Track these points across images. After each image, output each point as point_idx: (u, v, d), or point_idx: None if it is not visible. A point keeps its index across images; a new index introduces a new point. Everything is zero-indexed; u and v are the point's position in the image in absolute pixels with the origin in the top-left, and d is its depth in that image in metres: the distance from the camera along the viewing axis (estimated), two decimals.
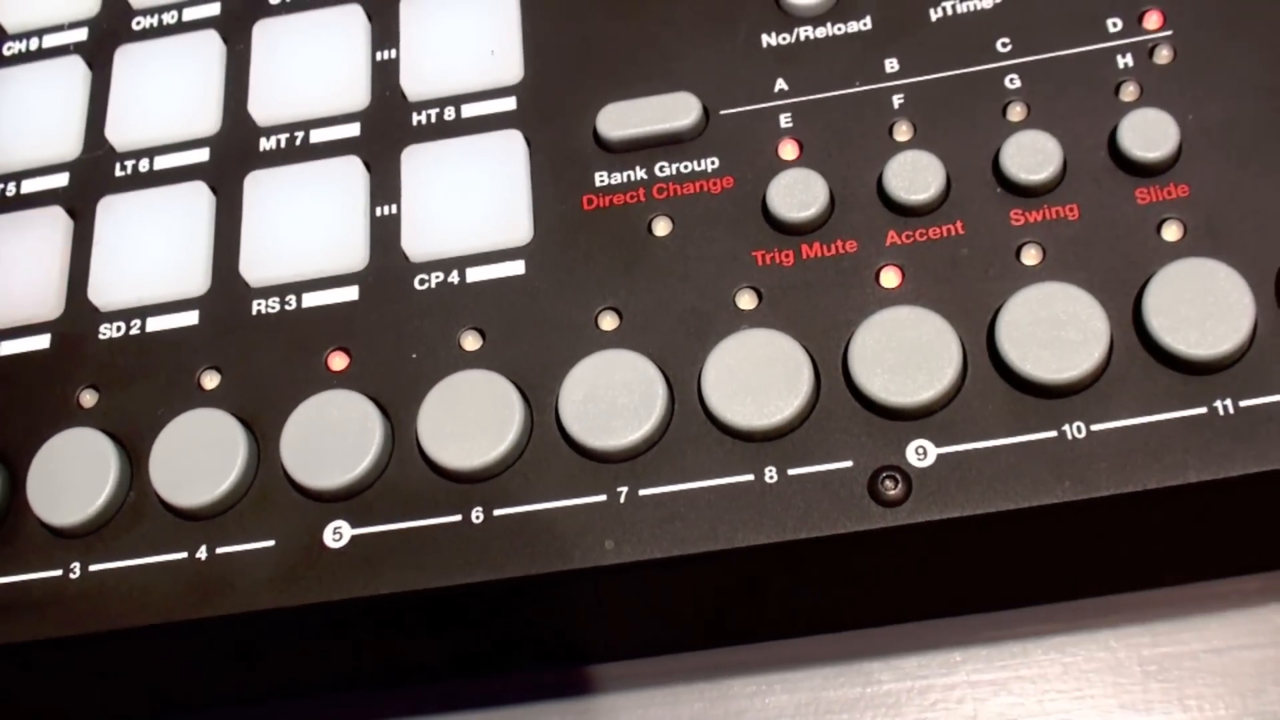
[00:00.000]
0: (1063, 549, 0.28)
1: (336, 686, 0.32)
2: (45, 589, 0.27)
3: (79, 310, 0.30)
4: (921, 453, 0.25)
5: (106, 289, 0.30)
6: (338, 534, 0.27)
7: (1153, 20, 0.28)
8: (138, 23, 0.33)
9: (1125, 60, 0.28)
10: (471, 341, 0.28)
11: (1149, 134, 0.27)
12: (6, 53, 0.33)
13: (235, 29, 0.32)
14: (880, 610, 0.30)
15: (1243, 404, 0.25)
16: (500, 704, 0.31)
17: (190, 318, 0.29)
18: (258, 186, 0.30)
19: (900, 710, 0.30)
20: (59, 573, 0.27)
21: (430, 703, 0.31)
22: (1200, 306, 0.25)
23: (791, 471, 0.26)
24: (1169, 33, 0.28)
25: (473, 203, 0.29)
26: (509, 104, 0.30)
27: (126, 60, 0.32)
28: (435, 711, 0.31)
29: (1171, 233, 0.26)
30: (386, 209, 0.29)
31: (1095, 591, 0.30)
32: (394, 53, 0.31)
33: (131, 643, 0.27)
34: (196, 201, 0.30)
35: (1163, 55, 0.28)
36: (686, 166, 0.28)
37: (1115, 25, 0.28)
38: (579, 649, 0.31)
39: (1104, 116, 0.27)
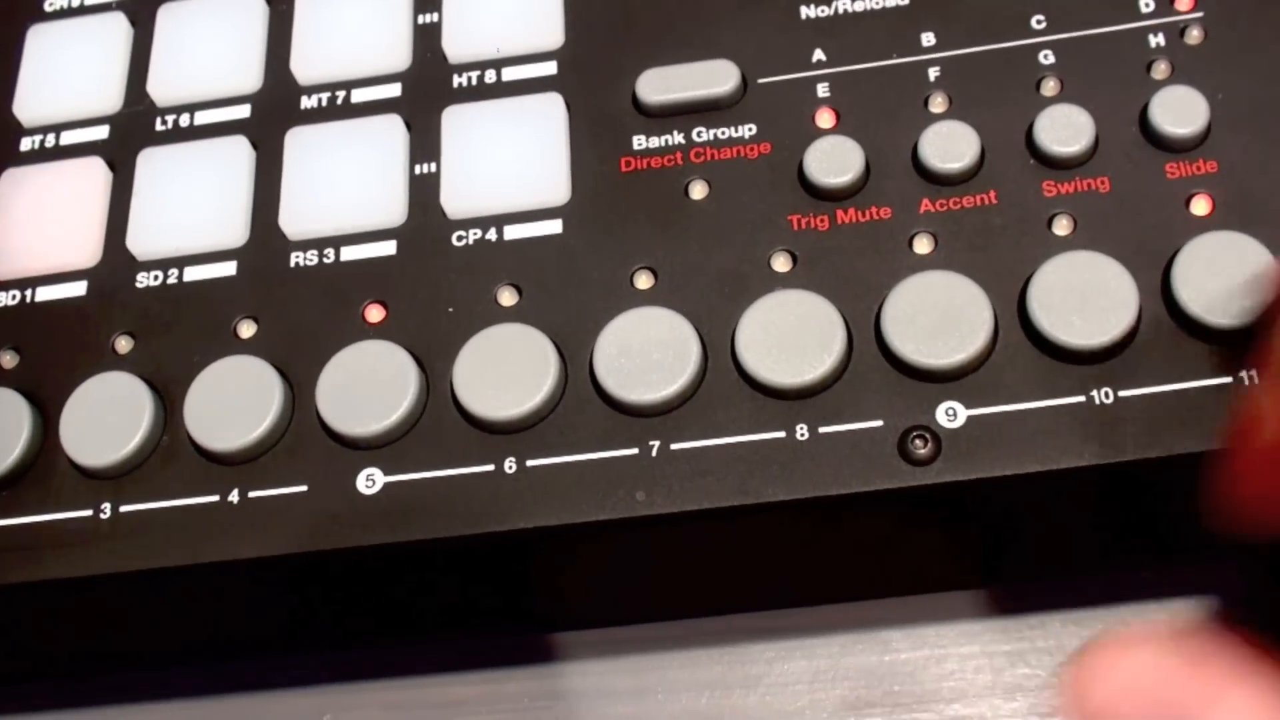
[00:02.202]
0: (1082, 517, 0.28)
1: (353, 638, 0.32)
2: (76, 528, 0.27)
3: (117, 259, 0.30)
4: (951, 414, 0.26)
5: (145, 239, 0.30)
6: (370, 481, 0.27)
7: (1183, 2, 0.29)
8: None
9: (1157, 40, 0.28)
10: (508, 297, 0.28)
11: (1179, 111, 0.27)
12: (48, 8, 0.33)
13: None
14: (899, 579, 0.30)
15: None
16: (518, 664, 0.31)
17: (228, 268, 0.29)
18: (299, 142, 0.30)
19: (917, 678, 0.30)
20: (89, 512, 0.27)
21: (448, 659, 0.31)
22: (1228, 279, 0.26)
23: (823, 429, 0.26)
24: (1199, 14, 0.29)
25: (512, 163, 0.29)
26: (549, 68, 0.30)
27: (170, 18, 0.32)
28: (453, 670, 0.31)
29: (1200, 207, 0.27)
30: (426, 167, 0.30)
31: (1113, 565, 0.30)
32: (436, 16, 0.31)
33: (160, 583, 0.27)
34: (237, 156, 0.30)
35: (1193, 36, 0.28)
36: (724, 132, 0.29)
37: (1147, 6, 0.29)
38: (597, 609, 0.31)
39: (1136, 93, 0.28)
